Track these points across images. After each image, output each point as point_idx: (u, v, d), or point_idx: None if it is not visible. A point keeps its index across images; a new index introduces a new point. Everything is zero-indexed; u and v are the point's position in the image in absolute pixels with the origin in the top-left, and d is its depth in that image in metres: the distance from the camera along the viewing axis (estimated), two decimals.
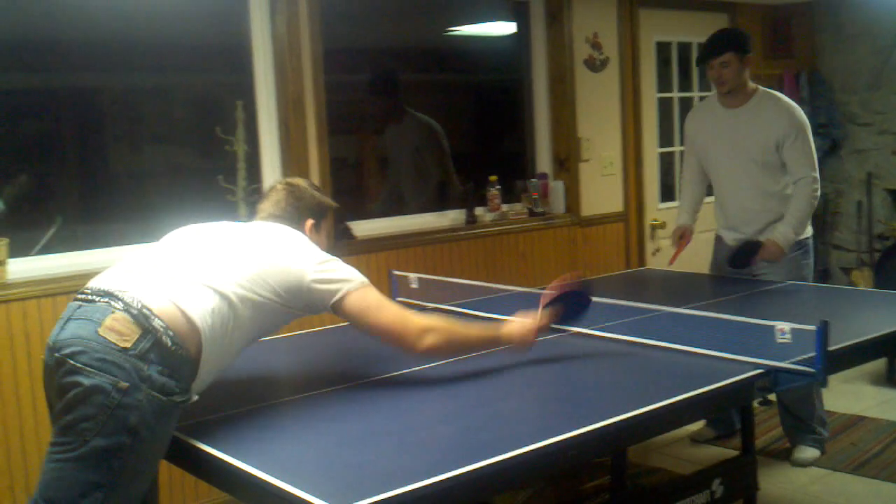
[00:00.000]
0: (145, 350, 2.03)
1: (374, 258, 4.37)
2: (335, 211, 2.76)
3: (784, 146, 3.98)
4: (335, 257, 2.47)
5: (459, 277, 3.91)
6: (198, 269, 2.24)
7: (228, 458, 1.99)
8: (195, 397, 2.19)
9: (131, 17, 3.96)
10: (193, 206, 4.52)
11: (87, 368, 1.98)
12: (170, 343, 2.06)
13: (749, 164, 4.09)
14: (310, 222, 2.61)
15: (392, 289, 3.73)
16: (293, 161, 4.10)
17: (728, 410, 4.29)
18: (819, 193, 4.02)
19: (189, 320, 2.12)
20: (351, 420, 2.35)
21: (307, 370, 3.06)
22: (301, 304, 2.37)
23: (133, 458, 2.01)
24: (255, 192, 4.21)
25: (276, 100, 4.12)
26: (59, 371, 2.02)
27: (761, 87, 4.15)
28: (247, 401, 2.44)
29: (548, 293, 2.65)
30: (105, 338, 2.01)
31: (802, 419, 4.10)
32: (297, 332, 3.75)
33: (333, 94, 4.32)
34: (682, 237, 4.35)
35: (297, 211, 2.61)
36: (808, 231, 4.14)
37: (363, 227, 4.47)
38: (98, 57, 4.07)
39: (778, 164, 4.04)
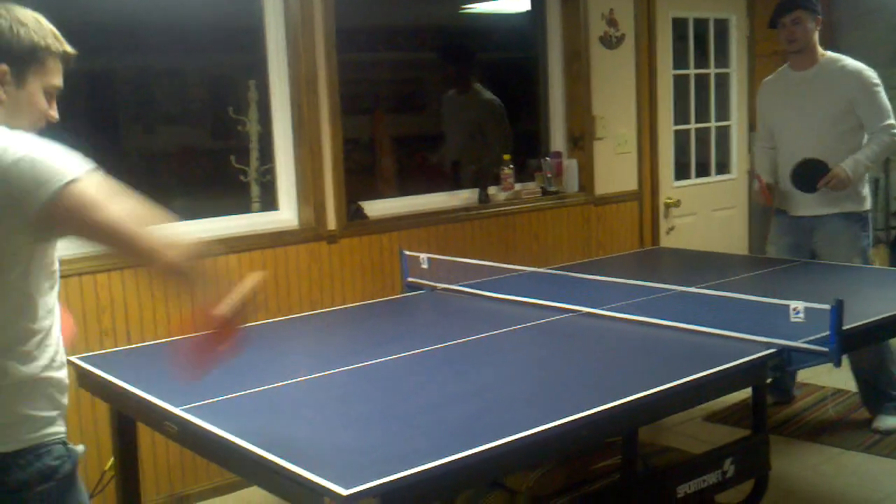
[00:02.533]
0: None
1: (387, 238, 4.37)
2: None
3: (858, 104, 4.04)
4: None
5: (472, 257, 3.90)
6: None
7: (238, 440, 1.99)
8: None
9: None
10: (206, 187, 4.53)
11: None
12: None
13: (820, 125, 4.12)
14: (3, 68, 1.78)
15: (403, 269, 3.73)
16: (306, 141, 4.09)
17: (784, 378, 4.36)
18: None
19: None
20: (360, 401, 2.36)
21: (315, 351, 3.06)
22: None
23: None
24: (267, 173, 4.21)
25: (289, 79, 4.10)
26: None
27: (829, 52, 4.21)
28: (256, 382, 2.44)
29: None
30: None
31: (881, 388, 4.14)
32: (306, 313, 3.77)
33: (347, 74, 4.30)
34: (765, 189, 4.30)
35: None
36: (867, 204, 4.18)
37: (375, 207, 4.46)
38: (110, 38, 4.07)
39: (849, 126, 4.08)
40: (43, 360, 1.76)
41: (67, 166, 1.69)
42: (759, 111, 4.57)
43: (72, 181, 1.66)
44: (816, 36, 4.15)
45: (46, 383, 1.76)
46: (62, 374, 1.82)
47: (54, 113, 1.89)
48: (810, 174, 4.08)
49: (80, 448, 1.83)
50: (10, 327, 1.72)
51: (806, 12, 4.08)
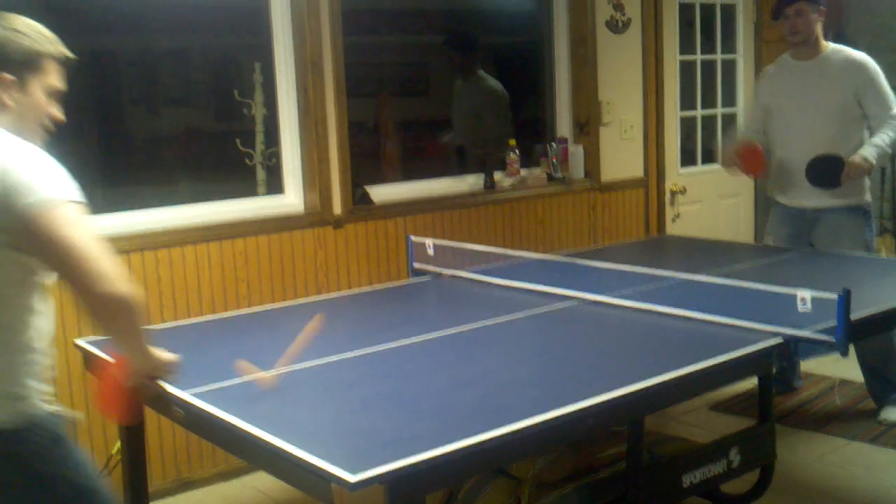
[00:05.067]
0: None
1: (392, 223, 4.35)
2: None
3: (863, 94, 4.02)
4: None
5: (477, 243, 3.88)
6: None
7: (245, 425, 1.99)
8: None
9: None
10: (211, 170, 4.52)
11: None
12: None
13: (823, 116, 4.10)
14: (6, 77, 1.90)
15: (409, 254, 3.72)
16: (311, 124, 4.08)
17: (786, 368, 4.38)
18: None
19: None
20: (366, 386, 2.35)
21: (321, 337, 3.05)
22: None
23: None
24: (273, 156, 4.19)
25: (295, 62, 4.08)
26: None
27: (831, 43, 4.19)
28: (261, 367, 2.44)
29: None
30: None
31: (888, 379, 4.13)
32: (312, 297, 3.76)
33: (352, 56, 4.27)
34: (741, 154, 4.22)
35: None
36: (868, 197, 4.15)
37: (381, 192, 4.45)
38: (115, 19, 4.04)
39: (852, 116, 4.06)
40: (45, 339, 1.94)
41: (47, 186, 1.80)
42: (756, 98, 4.52)
43: (47, 201, 1.77)
44: (820, 27, 4.11)
45: (45, 361, 1.93)
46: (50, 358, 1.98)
47: (59, 113, 2.00)
48: (827, 169, 4.04)
49: (62, 411, 1.96)
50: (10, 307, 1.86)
51: (809, 4, 4.04)
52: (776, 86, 4.30)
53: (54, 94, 1.98)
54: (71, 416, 1.96)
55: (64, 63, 1.99)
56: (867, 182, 4.15)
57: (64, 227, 1.77)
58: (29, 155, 1.83)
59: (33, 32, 1.93)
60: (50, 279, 1.92)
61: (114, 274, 1.81)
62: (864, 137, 4.05)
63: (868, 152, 3.96)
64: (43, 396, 1.91)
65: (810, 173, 4.10)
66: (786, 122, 4.24)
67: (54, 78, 1.97)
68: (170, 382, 2.21)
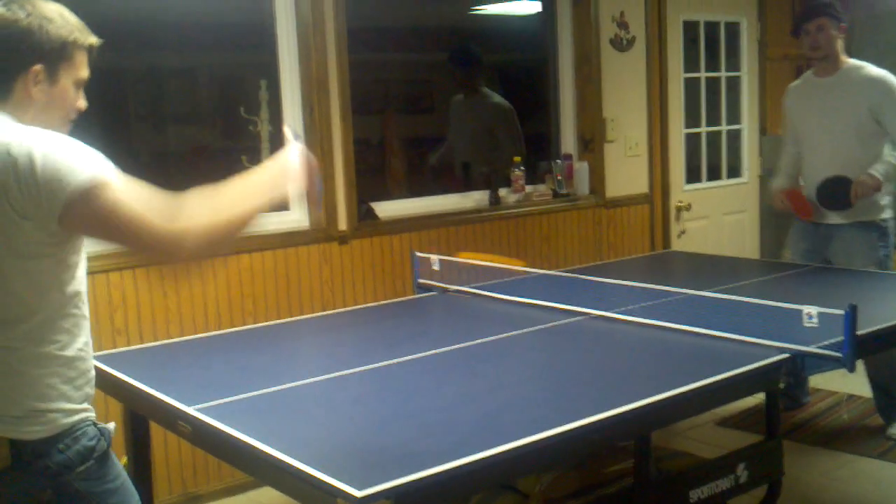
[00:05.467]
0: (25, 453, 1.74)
1: (398, 239, 4.36)
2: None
3: (881, 111, 4.01)
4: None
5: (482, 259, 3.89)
6: None
7: (250, 441, 1.99)
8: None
9: None
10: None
11: None
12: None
13: (842, 133, 4.10)
14: (37, 69, 1.79)
15: (414, 270, 3.72)
16: (316, 141, 4.09)
17: (794, 384, 4.38)
18: None
19: None
20: (372, 402, 2.35)
21: (327, 352, 3.06)
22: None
23: None
24: None
25: (300, 79, 4.10)
26: None
27: (852, 59, 4.18)
28: (268, 383, 2.44)
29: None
30: None
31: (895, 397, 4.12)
32: (318, 313, 3.77)
33: (358, 74, 4.29)
34: (789, 197, 4.28)
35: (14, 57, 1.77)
36: (886, 213, 4.13)
37: (386, 208, 4.46)
38: (122, 37, 4.07)
39: (871, 132, 4.05)
40: (75, 346, 1.81)
41: (87, 165, 1.71)
42: (784, 116, 4.55)
43: (92, 179, 1.69)
44: (840, 43, 4.11)
45: (76, 370, 1.81)
46: (90, 364, 1.87)
47: (83, 103, 1.90)
48: (836, 192, 4.06)
49: (111, 426, 1.89)
50: (44, 315, 1.76)
51: (830, 19, 4.04)
52: (799, 103, 4.33)
53: (81, 85, 1.88)
54: (108, 428, 1.88)
55: (92, 52, 1.89)
56: (886, 199, 4.14)
57: (118, 199, 1.71)
58: (61, 140, 1.75)
59: (62, 19, 1.81)
60: (83, 284, 1.85)
61: (179, 235, 1.74)
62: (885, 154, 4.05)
63: (876, 169, 3.96)
64: (76, 407, 1.81)
65: (820, 196, 4.12)
66: (808, 138, 4.27)
67: (83, 68, 1.87)
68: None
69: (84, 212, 1.70)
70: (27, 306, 1.74)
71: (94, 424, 1.84)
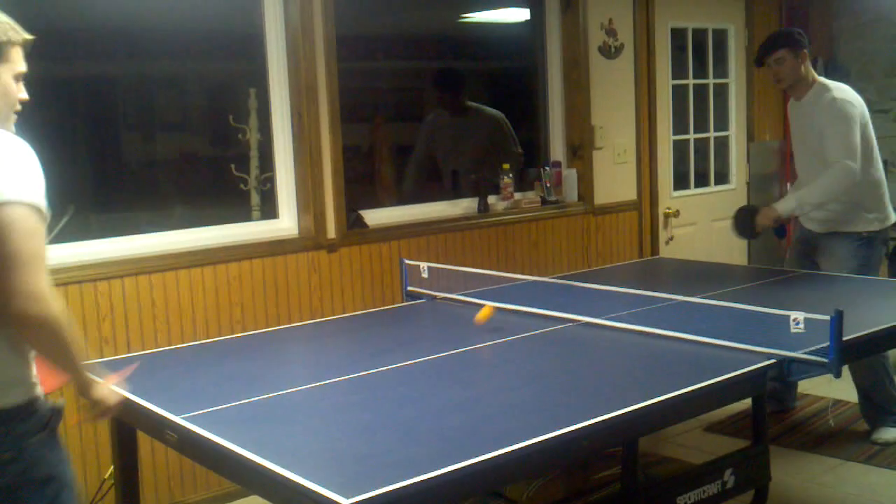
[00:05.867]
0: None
1: (386, 247, 4.37)
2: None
3: (824, 134, 4.03)
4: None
5: (471, 266, 3.90)
6: None
7: (237, 449, 1.99)
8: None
9: (143, 5, 3.96)
10: (206, 195, 4.53)
11: None
12: None
13: (810, 155, 4.18)
14: None
15: (403, 277, 3.73)
16: (306, 149, 4.10)
17: (780, 388, 4.41)
18: (850, 182, 3.97)
19: None
20: (360, 410, 2.35)
21: (315, 361, 3.06)
22: None
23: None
24: (267, 181, 4.21)
25: (289, 87, 4.11)
26: None
27: (820, 80, 4.19)
28: (255, 391, 2.44)
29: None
30: None
31: (880, 403, 4.15)
32: (306, 321, 3.77)
33: (347, 82, 4.30)
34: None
35: None
36: (874, 225, 4.16)
37: (375, 216, 4.47)
38: (110, 45, 4.07)
39: None
40: None
41: (13, 185, 1.81)
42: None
43: (7, 202, 1.78)
44: (806, 67, 4.14)
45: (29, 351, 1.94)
46: None
47: (24, 94, 2.04)
48: (744, 219, 4.27)
49: (60, 401, 2.02)
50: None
51: (788, 51, 4.08)
52: (791, 119, 4.43)
53: (20, 78, 2.01)
54: (59, 404, 2.00)
55: (27, 48, 2.02)
56: (874, 213, 4.15)
57: (14, 233, 1.78)
58: (6, 149, 1.85)
59: None
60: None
61: (48, 294, 1.80)
62: (869, 173, 4.06)
63: (781, 205, 4.12)
64: (35, 381, 1.96)
65: (734, 225, 4.34)
66: (794, 153, 4.43)
67: (19, 62, 2.00)
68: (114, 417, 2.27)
69: None
70: None
71: (46, 401, 1.99)
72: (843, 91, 4.12)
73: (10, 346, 1.89)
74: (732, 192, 6.12)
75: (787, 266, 4.37)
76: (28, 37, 2.02)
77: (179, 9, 4.05)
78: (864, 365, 4.02)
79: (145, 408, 2.35)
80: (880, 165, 4.17)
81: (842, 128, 3.98)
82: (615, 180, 5.42)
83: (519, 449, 1.95)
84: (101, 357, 3.32)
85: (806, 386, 4.57)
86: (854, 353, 2.91)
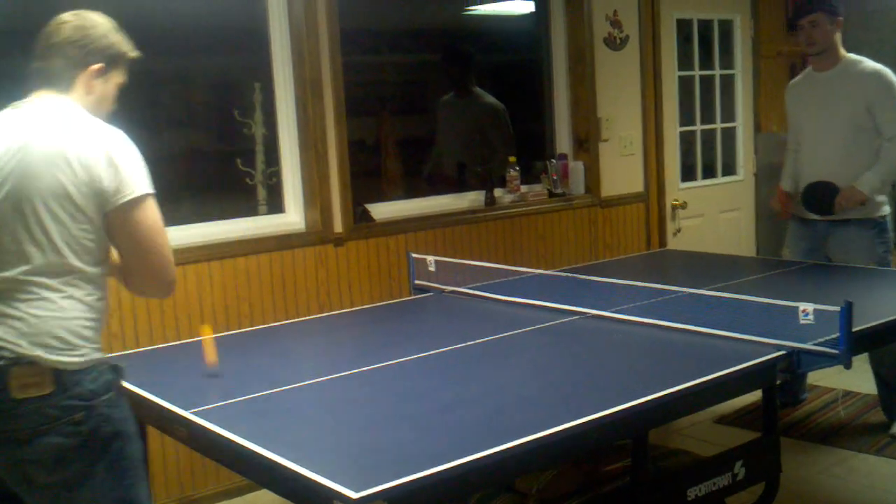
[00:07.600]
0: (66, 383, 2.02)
1: (393, 241, 4.36)
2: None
3: (875, 107, 3.98)
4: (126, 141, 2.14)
5: (478, 259, 3.89)
6: None
7: (247, 443, 1.99)
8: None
9: (147, 1, 3.95)
10: (212, 190, 4.53)
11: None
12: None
13: (839, 128, 4.07)
14: (99, 66, 2.20)
15: (410, 271, 3.72)
16: (311, 143, 4.09)
17: (792, 381, 4.33)
18: None
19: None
20: (368, 403, 2.35)
21: (324, 354, 3.06)
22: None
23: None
24: (273, 175, 4.20)
25: (294, 82, 4.10)
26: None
27: (850, 54, 4.15)
28: (264, 386, 2.43)
29: None
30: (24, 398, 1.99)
31: None
32: (314, 315, 3.76)
33: (351, 76, 4.29)
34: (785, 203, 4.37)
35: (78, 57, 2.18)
36: (883, 210, 4.11)
37: (381, 210, 4.46)
38: None
39: (868, 128, 4.02)
40: (98, 293, 2.15)
41: (141, 181, 2.10)
42: (787, 113, 4.53)
43: (141, 198, 2.08)
44: (838, 37, 4.09)
45: (99, 313, 2.14)
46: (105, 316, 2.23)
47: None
48: (822, 198, 4.07)
49: (122, 362, 2.22)
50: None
51: (824, 14, 4.02)
52: (799, 98, 4.32)
53: (118, 90, 2.27)
54: (121, 366, 2.19)
55: (132, 62, 2.28)
56: (883, 196, 4.11)
57: (158, 222, 2.12)
58: (125, 145, 2.11)
59: (120, 36, 2.24)
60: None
61: (173, 264, 2.16)
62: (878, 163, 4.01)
63: (863, 183, 3.96)
64: (99, 345, 2.13)
65: (805, 198, 4.14)
66: (807, 134, 4.25)
67: (124, 76, 2.27)
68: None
69: (124, 222, 2.09)
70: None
71: (110, 363, 2.16)
72: (876, 63, 4.08)
73: (85, 306, 2.08)
74: (740, 184, 6.11)
75: None
76: (137, 54, 2.28)
77: (183, 4, 4.04)
78: (886, 353, 3.96)
79: (155, 403, 2.35)
80: None
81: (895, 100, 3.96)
82: (622, 172, 5.41)
83: (529, 441, 1.94)
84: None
85: (816, 377, 4.55)
86: (865, 344, 2.89)
